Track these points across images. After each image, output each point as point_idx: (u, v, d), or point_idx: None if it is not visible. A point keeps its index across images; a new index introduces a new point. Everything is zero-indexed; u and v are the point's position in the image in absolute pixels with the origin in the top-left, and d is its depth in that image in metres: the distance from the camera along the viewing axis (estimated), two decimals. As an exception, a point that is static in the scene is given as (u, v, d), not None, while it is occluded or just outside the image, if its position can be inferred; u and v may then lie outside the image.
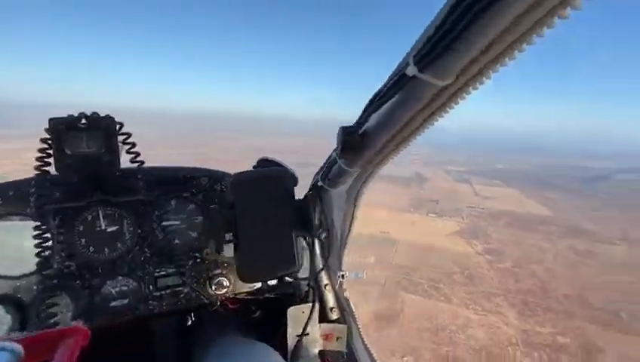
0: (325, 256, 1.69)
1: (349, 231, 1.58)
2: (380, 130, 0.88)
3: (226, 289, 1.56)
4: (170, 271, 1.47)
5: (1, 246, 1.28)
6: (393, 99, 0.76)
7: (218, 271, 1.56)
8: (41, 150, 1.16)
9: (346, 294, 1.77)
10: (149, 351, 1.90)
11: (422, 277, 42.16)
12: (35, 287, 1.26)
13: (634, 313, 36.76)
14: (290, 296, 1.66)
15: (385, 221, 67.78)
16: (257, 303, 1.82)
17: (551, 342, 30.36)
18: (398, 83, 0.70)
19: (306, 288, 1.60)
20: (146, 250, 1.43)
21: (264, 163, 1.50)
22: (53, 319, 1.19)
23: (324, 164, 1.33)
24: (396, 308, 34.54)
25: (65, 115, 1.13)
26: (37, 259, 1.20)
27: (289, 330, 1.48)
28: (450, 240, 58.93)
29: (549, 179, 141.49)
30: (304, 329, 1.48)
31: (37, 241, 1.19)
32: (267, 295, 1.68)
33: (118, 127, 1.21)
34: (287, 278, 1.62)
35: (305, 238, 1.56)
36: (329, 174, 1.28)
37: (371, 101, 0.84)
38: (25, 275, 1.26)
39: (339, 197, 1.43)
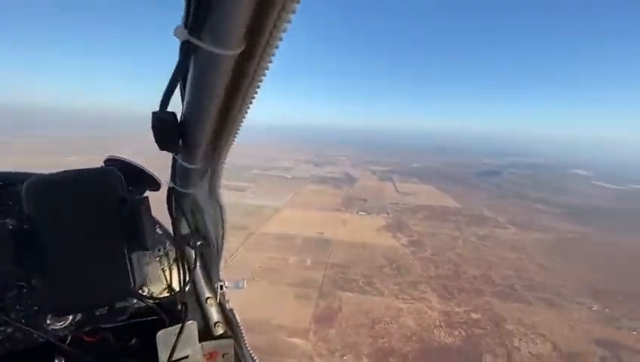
0: (203, 267, 1.54)
1: (223, 236, 1.46)
2: (197, 115, 0.81)
3: (69, 321, 1.25)
4: None
5: None
6: (194, 78, 0.71)
7: None
8: None
9: (229, 305, 1.66)
10: None
11: (356, 273, 43.91)
12: None
13: (524, 284, 44.50)
14: (163, 317, 1.41)
15: (319, 222, 69.12)
16: (127, 330, 1.49)
17: (467, 320, 34.61)
18: (182, 53, 0.65)
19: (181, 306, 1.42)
20: None
21: (111, 163, 1.17)
22: None
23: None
24: (334, 307, 35.19)
25: None
26: None
27: (160, 357, 1.30)
28: (379, 236, 62.98)
29: (454, 175, 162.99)
30: (171, 354, 1.27)
31: None
32: (136, 319, 1.40)
33: None
34: (148, 299, 1.37)
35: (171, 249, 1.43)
36: (175, 174, 1.17)
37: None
38: None
39: (205, 199, 1.30)
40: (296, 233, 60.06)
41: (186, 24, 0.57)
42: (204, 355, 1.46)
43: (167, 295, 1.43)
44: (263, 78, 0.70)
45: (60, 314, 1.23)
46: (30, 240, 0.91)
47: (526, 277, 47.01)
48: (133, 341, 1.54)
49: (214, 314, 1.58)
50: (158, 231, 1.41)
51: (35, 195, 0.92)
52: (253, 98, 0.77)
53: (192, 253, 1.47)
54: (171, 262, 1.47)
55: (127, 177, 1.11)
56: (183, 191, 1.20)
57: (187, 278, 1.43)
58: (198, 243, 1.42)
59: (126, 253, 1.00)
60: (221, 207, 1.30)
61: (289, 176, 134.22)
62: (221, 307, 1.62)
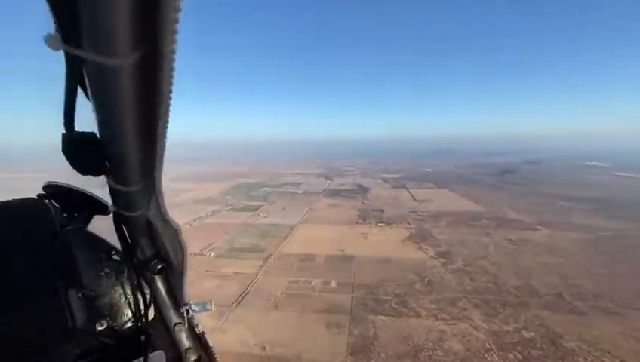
0: (168, 292, 1.45)
1: (183, 258, 1.39)
2: (115, 132, 0.74)
3: None
4: None
5: None
6: (95, 91, 0.64)
7: None
8: None
9: (199, 328, 1.59)
10: None
11: (386, 293, 40.59)
12: None
13: (573, 292, 40.43)
14: (124, 350, 1.30)
15: (339, 237, 65.96)
16: None
17: (519, 339, 30.90)
18: (68, 64, 0.59)
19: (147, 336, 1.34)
20: None
21: (50, 189, 1.09)
22: None
23: None
24: (370, 334, 31.96)
25: None
26: None
27: None
28: (403, 248, 59.51)
29: (468, 177, 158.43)
30: None
31: None
32: (91, 357, 1.27)
33: None
34: (99, 336, 1.24)
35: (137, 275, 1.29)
36: (115, 197, 1.12)
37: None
38: None
39: (156, 221, 1.24)
40: (317, 252, 57.11)
41: (63, 33, 0.49)
42: None
43: (130, 326, 1.29)
44: (169, 86, 0.62)
45: None
46: None
47: (572, 284, 42.86)
48: None
49: (185, 341, 1.50)
50: (115, 257, 1.24)
51: None
52: (167, 109, 0.68)
53: (155, 278, 1.36)
54: (130, 291, 1.31)
55: (69, 204, 1.03)
56: (129, 214, 1.11)
57: (148, 306, 1.33)
58: (159, 266, 1.31)
59: (62, 289, 0.91)
60: (175, 228, 1.23)
61: (300, 192, 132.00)
62: (191, 332, 1.54)
